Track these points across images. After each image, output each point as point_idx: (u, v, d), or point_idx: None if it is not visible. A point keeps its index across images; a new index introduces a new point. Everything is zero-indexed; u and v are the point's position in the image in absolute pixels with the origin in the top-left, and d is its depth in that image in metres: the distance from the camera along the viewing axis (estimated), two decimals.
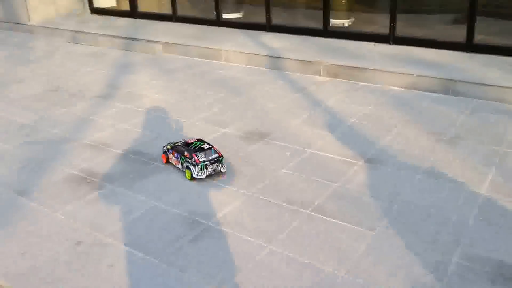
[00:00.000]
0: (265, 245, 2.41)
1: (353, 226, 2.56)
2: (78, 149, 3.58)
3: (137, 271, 2.21)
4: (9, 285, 2.12)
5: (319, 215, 2.68)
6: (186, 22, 7.84)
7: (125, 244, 2.42)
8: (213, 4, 7.49)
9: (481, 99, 4.54)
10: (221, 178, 3.09)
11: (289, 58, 5.62)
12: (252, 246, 2.40)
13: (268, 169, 3.23)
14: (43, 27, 8.15)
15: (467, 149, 3.47)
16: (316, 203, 2.80)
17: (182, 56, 6.53)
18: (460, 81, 4.65)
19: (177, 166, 3.17)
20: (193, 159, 2.98)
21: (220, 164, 3.08)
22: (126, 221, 2.63)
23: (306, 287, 2.10)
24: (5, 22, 8.76)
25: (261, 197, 2.88)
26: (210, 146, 3.10)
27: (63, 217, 2.68)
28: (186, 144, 3.14)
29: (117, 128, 3.99)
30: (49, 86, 5.20)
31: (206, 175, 3.01)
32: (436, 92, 4.77)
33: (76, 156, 3.46)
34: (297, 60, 5.56)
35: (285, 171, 3.21)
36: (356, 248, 2.38)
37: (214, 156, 3.05)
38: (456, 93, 4.69)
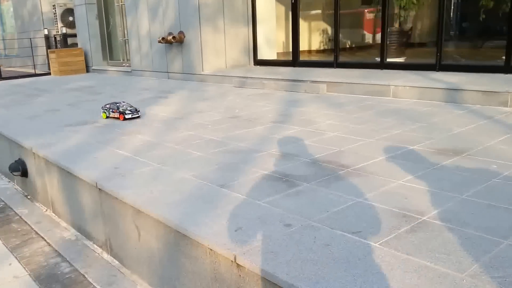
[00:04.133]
0: (501, 240, 2.11)
1: None
2: (268, 157, 3.67)
3: (356, 251, 2.07)
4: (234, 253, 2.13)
5: None
6: (348, 67, 7.96)
7: (337, 228, 2.31)
8: (374, 51, 7.55)
9: None
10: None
11: (468, 90, 5.27)
12: (483, 241, 2.11)
13: (474, 178, 2.92)
14: (214, 75, 8.94)
15: None
16: None
17: (348, 94, 6.56)
18: None
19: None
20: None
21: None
22: (331, 211, 2.54)
23: None
24: (182, 73, 9.83)
25: (476, 200, 2.58)
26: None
27: (267, 205, 2.69)
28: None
29: (300, 144, 4.04)
30: (227, 115, 5.56)
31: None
32: None
33: (267, 162, 3.54)
34: (478, 91, 5.19)
35: (497, 180, 2.87)
36: None
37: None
38: None
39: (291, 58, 9.05)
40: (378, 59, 7.55)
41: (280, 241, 2.21)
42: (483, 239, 2.13)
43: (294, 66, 8.93)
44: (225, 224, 2.44)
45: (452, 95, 5.38)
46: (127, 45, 12.56)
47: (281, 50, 10.77)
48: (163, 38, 9.76)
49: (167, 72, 10.27)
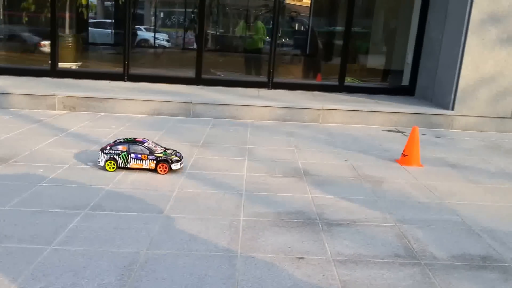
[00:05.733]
0: (45, 247, 1.99)
1: (140, 214, 2.39)
2: None
3: None
4: None
5: (98, 211, 2.39)
6: None
7: None
8: None
9: (217, 117, 5.03)
10: None
11: (15, 94, 5.00)
12: (26, 252, 1.94)
13: (20, 185, 2.72)
14: None
15: (219, 149, 3.76)
16: (92, 204, 2.50)
17: None
18: (199, 103, 5.05)
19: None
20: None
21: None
22: None
23: (108, 268, 1.82)
24: None
25: (21, 209, 2.39)
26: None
27: None
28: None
29: None
30: None
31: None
32: (178, 116, 5.03)
33: None
34: (26, 95, 5.00)
35: (43, 184, 2.77)
36: (151, 228, 2.22)
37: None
38: (196, 114, 5.06)
39: None
40: None
41: None
42: (26, 250, 1.96)
43: None
44: None
45: None
46: None
47: None
48: None
49: None
